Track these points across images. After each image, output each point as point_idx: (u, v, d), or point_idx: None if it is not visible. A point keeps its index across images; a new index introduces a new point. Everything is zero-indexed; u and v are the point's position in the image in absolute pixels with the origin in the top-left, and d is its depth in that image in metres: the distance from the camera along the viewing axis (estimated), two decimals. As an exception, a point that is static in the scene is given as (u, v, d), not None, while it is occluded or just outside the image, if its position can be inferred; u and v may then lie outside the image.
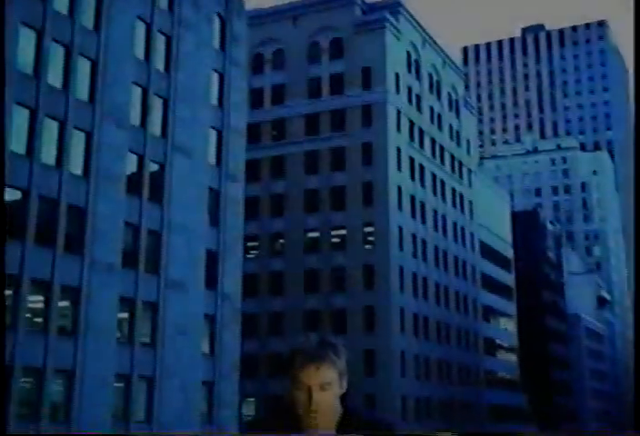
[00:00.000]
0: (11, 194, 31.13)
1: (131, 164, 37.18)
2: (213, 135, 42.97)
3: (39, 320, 31.83)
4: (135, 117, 37.57)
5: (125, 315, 35.87)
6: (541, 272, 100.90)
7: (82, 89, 34.58)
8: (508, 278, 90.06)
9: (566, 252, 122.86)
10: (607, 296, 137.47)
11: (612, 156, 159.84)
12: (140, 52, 38.53)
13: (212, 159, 42.62)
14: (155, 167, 38.56)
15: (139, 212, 36.97)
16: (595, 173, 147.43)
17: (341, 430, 2.68)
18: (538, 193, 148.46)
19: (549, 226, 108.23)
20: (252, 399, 57.78)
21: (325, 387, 2.60)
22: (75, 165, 33.95)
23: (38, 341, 30.96)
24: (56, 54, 33.33)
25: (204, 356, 39.50)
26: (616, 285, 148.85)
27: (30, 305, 31.53)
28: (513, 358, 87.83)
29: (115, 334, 34.68)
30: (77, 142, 34.07)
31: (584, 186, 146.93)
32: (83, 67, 34.72)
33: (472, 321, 76.13)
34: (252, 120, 58.15)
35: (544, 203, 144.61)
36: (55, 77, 33.18)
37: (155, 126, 38.86)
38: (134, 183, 36.91)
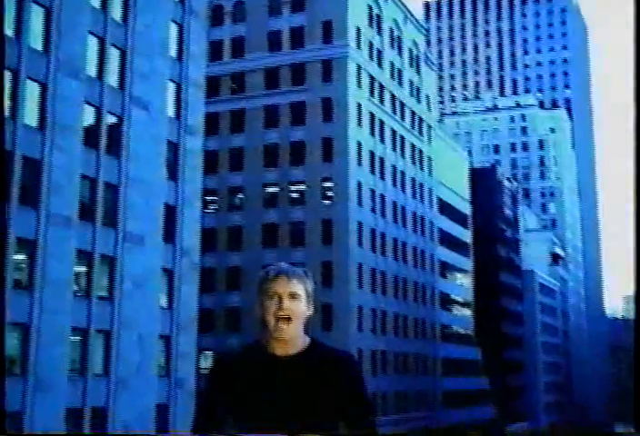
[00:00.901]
0: (-36, 145, 30.51)
1: (88, 116, 36.55)
2: (171, 88, 42.36)
3: (-6, 273, 31.48)
4: (91, 68, 36.82)
5: (83, 269, 35.63)
6: (497, 228, 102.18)
7: (35, 38, 33.75)
8: (465, 234, 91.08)
9: (523, 209, 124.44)
10: (561, 253, 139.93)
11: (569, 114, 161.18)
12: (96, 0, 37.63)
13: (170, 112, 42.08)
14: (112, 119, 37.99)
15: (96, 165, 36.49)
16: (552, 130, 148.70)
17: (306, 355, 2.81)
18: (496, 150, 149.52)
19: (506, 183, 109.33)
20: (209, 352, 58.10)
21: (295, 296, 2.78)
22: (30, 117, 33.28)
23: (-7, 295, 30.66)
24: (9, 2, 32.40)
25: (162, 310, 39.52)
26: (570, 242, 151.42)
27: (-15, 258, 31.13)
28: (468, 312, 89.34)
29: (71, 288, 34.48)
30: (32, 93, 33.35)
31: (541, 144, 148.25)
32: (36, 15, 33.82)
33: (429, 276, 77.07)
34: (211, 73, 57.37)
35: (502, 160, 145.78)
36: (7, 26, 32.28)
37: (113, 78, 38.16)
38: (91, 136, 36.35)
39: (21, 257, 32.80)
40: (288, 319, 2.76)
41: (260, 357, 2.81)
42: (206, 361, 57.79)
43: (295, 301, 2.78)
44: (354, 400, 2.80)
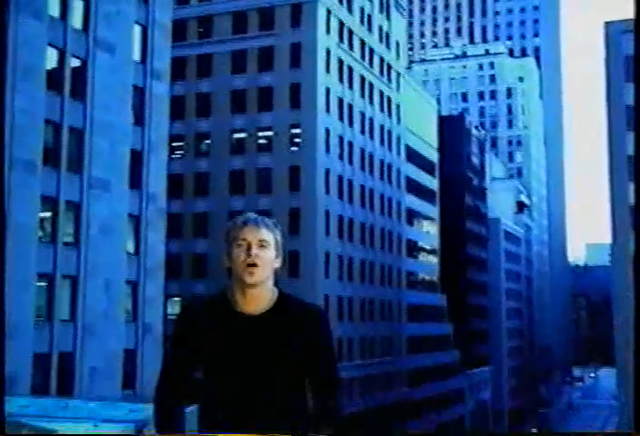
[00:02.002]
0: None
1: (51, 59, 35.79)
2: (137, 31, 41.52)
3: (-43, 218, 31.12)
4: (53, 8, 35.93)
5: (48, 215, 35.35)
6: (464, 176, 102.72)
7: (-4, -23, 32.76)
8: (432, 182, 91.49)
9: (490, 157, 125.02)
10: (527, 201, 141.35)
11: (538, 63, 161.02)
12: (58, -61, 36.52)
13: (136, 56, 41.33)
14: (76, 63, 37.23)
15: (60, 109, 35.89)
16: (521, 79, 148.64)
17: (274, 313, 2.79)
18: (465, 98, 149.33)
19: (474, 131, 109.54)
20: (177, 299, 58.32)
21: (264, 244, 2.76)
22: (-9, 59, 32.51)
23: (-43, 240, 30.35)
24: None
25: (128, 256, 39.44)
26: (535, 191, 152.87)
27: (-53, 203, 30.70)
28: (434, 260, 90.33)
29: (37, 234, 34.24)
30: (-7, 34, 32.52)
31: (509, 92, 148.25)
32: (-3, -47, 32.77)
33: (395, 223, 77.55)
34: (177, 16, 56.25)
35: (470, 108, 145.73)
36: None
37: (76, 19, 37.28)
38: (54, 80, 35.66)
39: (-16, 202, 32.40)
40: (256, 265, 2.72)
41: (227, 315, 2.77)
42: (173, 307, 58.06)
43: (264, 249, 2.75)
44: (322, 355, 2.82)
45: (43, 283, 34.59)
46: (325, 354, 2.82)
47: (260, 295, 2.76)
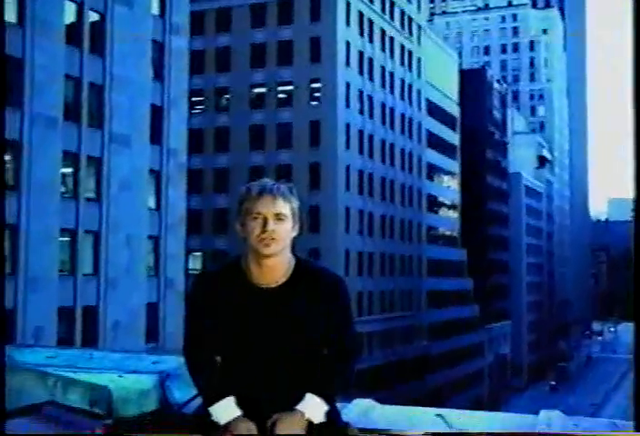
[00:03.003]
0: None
1: (69, 13, 35.57)
2: (155, -16, 41.12)
3: (-20, 174, 31.36)
4: (71, -37, 35.59)
5: (69, 170, 35.51)
6: (485, 131, 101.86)
7: None
8: (453, 137, 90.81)
9: (511, 111, 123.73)
10: (548, 156, 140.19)
11: (562, 14, 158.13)
12: None
13: (155, 10, 41.00)
14: (95, 17, 36.99)
15: (80, 64, 35.79)
16: (544, 31, 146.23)
17: (290, 285, 2.71)
18: (487, 51, 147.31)
19: (496, 85, 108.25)
20: (198, 253, 58.77)
21: (281, 217, 2.65)
22: (8, 13, 32.36)
23: (-20, 196, 30.61)
24: None
25: (149, 211, 39.66)
26: (558, 145, 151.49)
27: (-30, 159, 30.94)
28: (454, 215, 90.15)
29: (59, 189, 34.45)
30: (11, -12, 32.34)
31: (532, 45, 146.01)
32: None
33: (416, 178, 77.27)
34: (196, -32, 55.59)
35: (492, 61, 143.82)
36: None
37: (94, -27, 36.94)
38: (73, 34, 35.49)
39: (7, 158, 32.59)
40: (273, 239, 2.62)
41: (242, 287, 2.70)
42: (195, 262, 58.54)
43: (281, 222, 2.64)
44: (340, 326, 2.76)
45: (66, 238, 34.92)
46: (343, 325, 2.76)
47: (276, 266, 2.68)
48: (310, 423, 2.65)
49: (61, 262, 34.47)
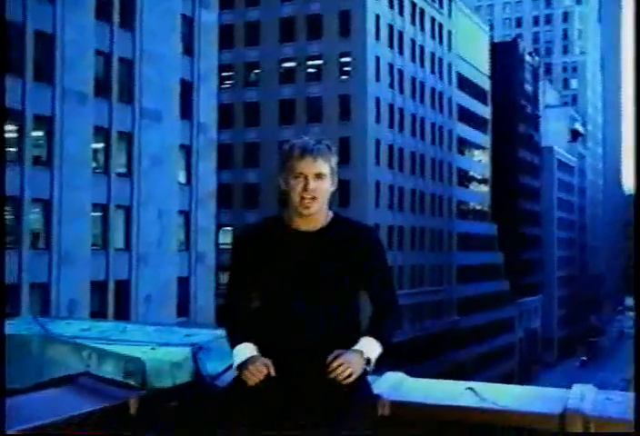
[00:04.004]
0: (-25, 20, 29.96)
1: (99, -11, 35.60)
2: (184, -42, 40.95)
3: (13, 149, 31.67)
4: (100, -63, 35.53)
5: (100, 145, 35.74)
6: (517, 104, 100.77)
7: None
8: (484, 110, 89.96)
9: (544, 84, 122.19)
10: (581, 129, 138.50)
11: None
12: None
13: (183, -16, 40.89)
14: (124, -8, 36.99)
15: (110, 39, 35.86)
16: (578, 2, 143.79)
17: (329, 230, 2.87)
18: (519, 23, 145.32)
19: (528, 58, 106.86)
20: (228, 228, 59.04)
21: (321, 177, 2.81)
22: (40, -11, 32.47)
23: (14, 171, 30.96)
24: None
25: (180, 186, 39.86)
26: (591, 118, 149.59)
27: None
28: (485, 189, 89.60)
29: (90, 164, 34.71)
30: (41, -37, 32.38)
31: (565, 16, 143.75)
32: None
33: (446, 152, 76.81)
34: (225, -59, 55.25)
35: (524, 33, 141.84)
36: None
37: (123, -53, 36.86)
38: (103, 9, 35.52)
39: (39, 134, 32.87)
40: (314, 198, 2.79)
41: (283, 231, 2.86)
42: (225, 237, 58.84)
43: (321, 180, 2.80)
44: (376, 269, 2.91)
45: (97, 213, 35.24)
46: (380, 273, 2.92)
47: (316, 217, 2.85)
48: (344, 395, 2.68)
49: (93, 237, 34.83)
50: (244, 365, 2.71)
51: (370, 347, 2.74)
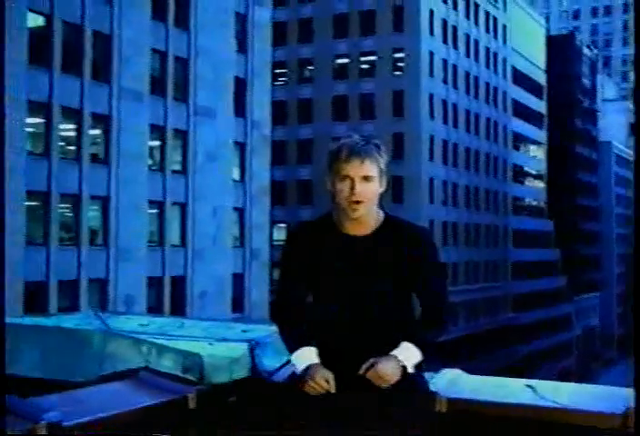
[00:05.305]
0: (34, 20, 30.56)
1: (154, -12, 36.02)
2: (237, -44, 41.18)
3: (72, 148, 32.24)
4: (156, -63, 35.91)
5: (156, 143, 36.17)
6: (574, 98, 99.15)
7: None
8: (540, 105, 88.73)
9: (602, 78, 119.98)
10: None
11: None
12: None
13: (237, -18, 41.12)
14: (179, -9, 37.37)
15: (165, 37, 36.27)
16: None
17: (380, 233, 2.81)
18: (576, 15, 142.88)
19: (586, 51, 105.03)
20: (282, 225, 59.26)
21: (368, 179, 2.72)
22: (98, -11, 32.98)
23: (72, 169, 31.53)
24: None
25: (234, 182, 40.12)
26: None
27: (62, 133, 31.81)
28: (541, 185, 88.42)
29: (146, 162, 35.16)
30: (98, -36, 32.88)
31: (626, 7, 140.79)
32: None
33: (501, 148, 75.99)
34: (278, -61, 55.42)
35: (582, 26, 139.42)
36: None
37: (178, -53, 37.21)
38: (158, 8, 35.93)
39: (96, 132, 33.40)
40: (360, 201, 2.71)
41: (333, 235, 2.80)
42: (279, 233, 59.09)
43: (368, 183, 2.71)
44: (428, 269, 2.81)
45: (154, 210, 35.68)
46: (432, 279, 2.81)
47: (364, 218, 2.77)
48: (401, 392, 2.67)
49: (149, 233, 35.27)
50: (304, 375, 2.67)
51: (408, 354, 2.68)
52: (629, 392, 2.95)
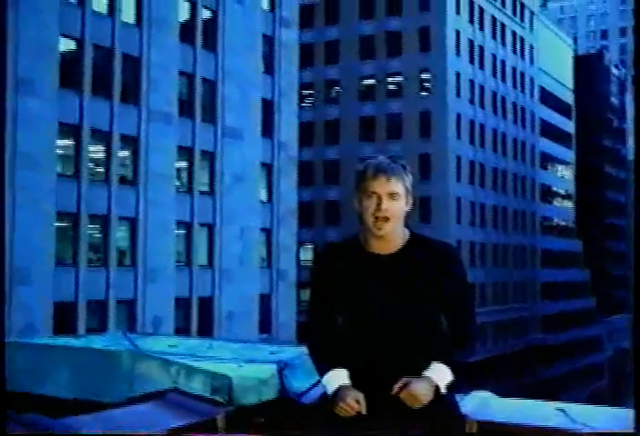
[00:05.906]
0: (65, 44, 31.02)
1: (183, 11, 36.45)
2: (265, -21, 41.61)
3: (101, 169, 32.56)
4: (184, -39, 36.42)
5: (184, 164, 36.42)
6: (602, 118, 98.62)
7: None
8: (568, 125, 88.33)
9: (630, 96, 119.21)
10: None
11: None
12: None
13: (265, 5, 41.51)
14: (207, 14, 37.77)
15: (193, 60, 36.64)
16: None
17: (406, 251, 2.82)
18: (604, 35, 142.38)
19: (614, 70, 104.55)
20: (309, 246, 59.28)
21: (394, 197, 2.77)
22: (127, 13, 33.43)
23: (101, 190, 31.82)
24: None
25: (261, 203, 40.24)
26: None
27: (91, 155, 32.16)
28: (569, 205, 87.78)
29: (174, 183, 35.39)
30: (127, -12, 33.37)
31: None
32: None
33: (529, 168, 75.63)
34: (304, -38, 55.95)
35: (610, 46, 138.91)
36: None
37: (206, -29, 37.68)
38: (187, 31, 36.35)
39: (125, 153, 33.72)
40: (387, 219, 2.74)
41: (360, 254, 2.82)
42: (306, 254, 59.09)
43: (395, 200, 2.75)
44: (454, 286, 2.81)
45: (181, 231, 35.86)
46: (458, 297, 2.81)
47: (391, 237, 2.79)
48: (433, 414, 2.66)
49: (177, 254, 35.43)
50: (335, 396, 2.68)
51: (440, 374, 2.68)
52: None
